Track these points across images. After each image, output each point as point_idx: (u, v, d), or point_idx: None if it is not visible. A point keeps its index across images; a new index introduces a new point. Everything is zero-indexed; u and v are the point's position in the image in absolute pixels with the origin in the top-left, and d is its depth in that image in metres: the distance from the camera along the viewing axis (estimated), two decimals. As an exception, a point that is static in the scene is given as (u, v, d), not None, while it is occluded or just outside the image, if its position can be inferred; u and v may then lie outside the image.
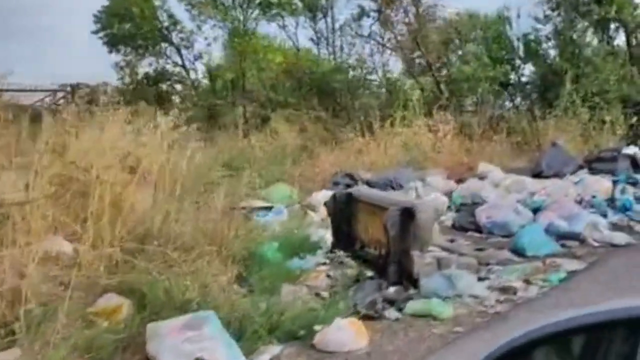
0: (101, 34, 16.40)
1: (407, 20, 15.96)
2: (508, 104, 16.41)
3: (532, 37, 16.02)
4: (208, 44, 16.24)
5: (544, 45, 15.96)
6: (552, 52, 15.90)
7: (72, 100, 16.44)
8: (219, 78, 17.47)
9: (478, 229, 7.60)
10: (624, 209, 7.79)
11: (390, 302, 4.92)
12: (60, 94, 16.11)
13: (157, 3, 16.38)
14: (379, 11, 16.55)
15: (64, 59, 20.13)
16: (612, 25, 15.57)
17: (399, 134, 12.86)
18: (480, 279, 5.48)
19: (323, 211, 7.58)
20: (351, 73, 17.20)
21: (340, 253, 6.49)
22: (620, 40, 16.04)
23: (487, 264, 5.96)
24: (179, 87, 17.68)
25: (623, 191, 8.46)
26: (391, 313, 4.71)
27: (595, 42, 15.78)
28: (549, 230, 6.88)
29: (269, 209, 8.39)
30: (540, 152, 12.03)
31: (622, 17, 14.66)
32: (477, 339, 3.99)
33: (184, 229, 5.63)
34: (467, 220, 7.89)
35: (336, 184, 9.87)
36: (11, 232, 4.65)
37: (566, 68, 14.10)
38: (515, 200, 8.17)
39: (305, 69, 16.82)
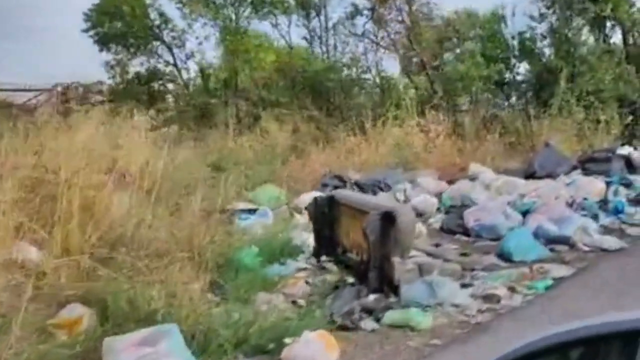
0: (91, 33, 16.17)
1: (400, 18, 15.74)
2: (503, 102, 16.18)
3: (527, 35, 15.84)
4: (199, 43, 16.01)
5: (539, 44, 15.77)
6: (548, 51, 15.72)
7: (64, 100, 16.37)
8: (211, 77, 17.26)
9: (466, 232, 7.41)
10: (616, 211, 7.59)
11: (369, 312, 4.73)
12: (50, 93, 15.98)
13: (147, 1, 16.13)
14: (373, 9, 16.34)
15: (61, 59, 20.08)
16: (608, 24, 15.37)
17: (391, 133, 12.67)
18: (464, 286, 5.29)
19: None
20: (345, 72, 17.00)
21: (323, 258, 6.31)
22: (617, 38, 15.88)
23: (472, 270, 5.78)
24: (171, 86, 17.45)
25: (616, 193, 8.28)
26: (368, 323, 4.52)
27: (591, 40, 15.60)
28: (538, 234, 6.69)
29: (253, 211, 8.20)
30: (534, 152, 11.83)
31: (618, 15, 14.45)
32: (453, 352, 3.79)
33: (157, 234, 5.44)
34: (455, 223, 7.70)
35: (324, 185, 9.67)
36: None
37: (561, 66, 13.89)
38: (506, 202, 7.96)
39: (298, 68, 16.60)
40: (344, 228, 6.12)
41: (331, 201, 6.35)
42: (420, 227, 7.74)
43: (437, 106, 13.66)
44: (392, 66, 19.81)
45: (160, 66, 16.91)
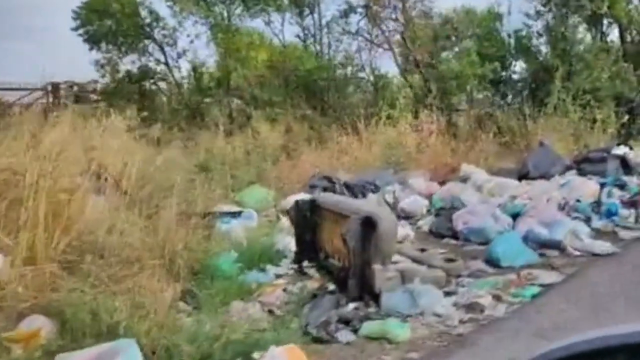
0: (81, 31, 15.97)
1: (394, 16, 15.52)
2: (498, 101, 15.96)
3: (523, 33, 15.64)
4: (191, 41, 15.81)
5: (535, 42, 15.57)
6: (544, 49, 15.52)
7: (54, 99, 16.17)
8: (204, 76, 17.06)
9: (455, 235, 7.20)
10: (609, 213, 7.37)
11: (346, 322, 4.52)
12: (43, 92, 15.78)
13: (138, -1, 15.96)
14: (367, 7, 16.11)
15: (61, 58, 19.95)
16: (605, 21, 15.16)
17: (384, 133, 12.46)
18: (447, 294, 5.08)
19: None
20: (339, 71, 16.80)
21: (305, 264, 6.10)
22: (614, 36, 15.67)
23: (458, 276, 5.56)
24: (162, 85, 17.24)
25: (610, 194, 8.06)
26: (344, 335, 4.31)
27: (588, 38, 15.39)
28: (528, 238, 6.47)
29: (238, 214, 7.98)
30: (528, 152, 11.62)
31: (615, 13, 14.23)
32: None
33: (130, 240, 5.23)
34: (444, 226, 7.48)
35: (313, 186, 9.44)
36: None
37: (557, 65, 13.67)
38: (496, 205, 7.76)
39: (292, 67, 16.38)
40: (326, 233, 5.91)
41: (313, 205, 6.14)
42: (408, 230, 7.56)
43: (431, 105, 13.44)
44: (386, 65, 19.63)
45: (152, 65, 16.73)
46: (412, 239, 7.15)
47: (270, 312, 4.89)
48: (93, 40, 16.11)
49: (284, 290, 5.32)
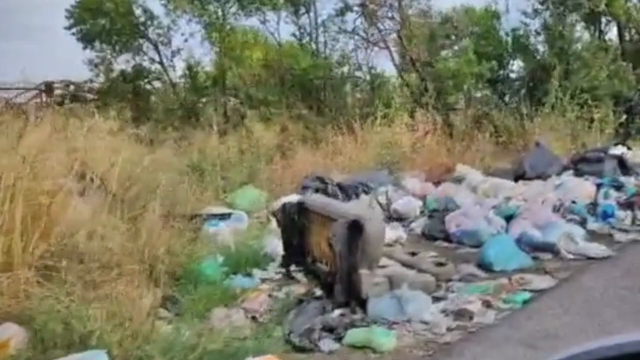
0: (74, 30, 15.81)
1: (390, 15, 15.37)
2: (496, 100, 15.80)
3: (520, 31, 15.49)
4: (185, 40, 15.63)
5: (533, 40, 15.42)
6: (541, 47, 15.37)
7: (47, 98, 16.03)
8: (199, 75, 16.91)
9: (448, 237, 7.06)
10: (605, 215, 7.23)
11: (330, 329, 4.38)
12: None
13: (131, -2, 15.79)
14: (363, 5, 15.95)
15: (60, 57, 19.94)
16: (604, 20, 15.01)
17: (379, 133, 12.31)
18: (436, 299, 4.94)
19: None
20: (335, 70, 16.64)
21: (292, 268, 5.96)
22: (612, 34, 15.52)
23: (449, 281, 5.42)
24: (157, 84, 17.09)
25: (606, 195, 7.91)
26: (327, 344, 4.17)
27: (586, 36, 15.24)
28: (522, 241, 6.32)
29: (228, 215, 7.83)
30: (525, 152, 11.47)
31: (613, 11, 14.07)
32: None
33: (110, 244, 5.09)
34: (437, 228, 7.33)
35: (305, 187, 9.30)
36: None
37: (555, 64, 13.52)
38: (490, 206, 7.61)
39: (287, 66, 16.23)
40: (314, 236, 5.77)
41: (300, 207, 6.00)
42: (401, 232, 7.42)
43: (427, 104, 13.28)
44: (383, 63, 19.45)
45: (146, 64, 16.57)
46: (403, 242, 7.02)
47: (254, 319, 4.75)
48: (87, 39, 15.94)
49: (269, 295, 5.18)
